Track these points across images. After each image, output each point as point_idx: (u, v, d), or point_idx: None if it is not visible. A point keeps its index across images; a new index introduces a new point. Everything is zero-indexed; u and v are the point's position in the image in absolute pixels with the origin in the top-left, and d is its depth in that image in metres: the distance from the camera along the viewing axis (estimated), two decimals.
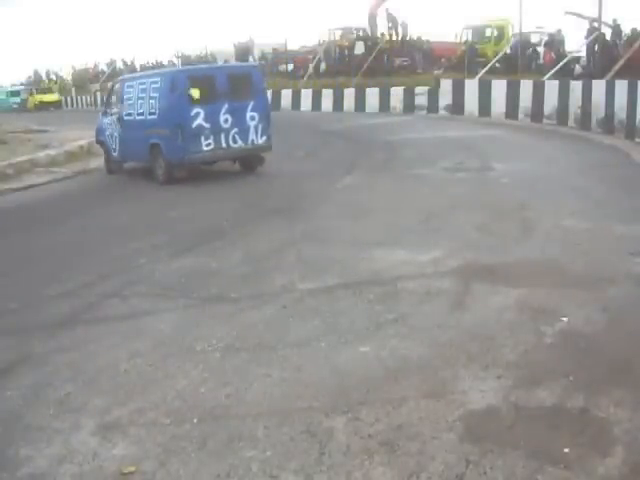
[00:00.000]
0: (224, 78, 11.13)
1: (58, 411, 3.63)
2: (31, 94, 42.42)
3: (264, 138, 11.39)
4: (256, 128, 11.27)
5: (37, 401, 3.77)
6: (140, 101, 11.60)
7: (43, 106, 39.59)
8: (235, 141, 11.13)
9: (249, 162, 11.76)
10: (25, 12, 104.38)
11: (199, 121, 10.75)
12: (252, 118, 11.22)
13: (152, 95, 11.28)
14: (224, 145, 11.05)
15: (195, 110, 10.71)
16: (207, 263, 6.30)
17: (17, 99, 43.22)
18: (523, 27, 21.72)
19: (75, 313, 5.16)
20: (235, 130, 11.06)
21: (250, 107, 11.18)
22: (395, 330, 4.44)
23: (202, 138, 10.81)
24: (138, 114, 11.66)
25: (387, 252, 6.24)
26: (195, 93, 10.76)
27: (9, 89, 46.71)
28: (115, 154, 12.69)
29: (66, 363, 4.23)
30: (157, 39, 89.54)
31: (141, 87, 11.69)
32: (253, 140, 11.29)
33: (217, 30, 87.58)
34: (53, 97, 42.00)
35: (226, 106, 10.93)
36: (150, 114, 11.32)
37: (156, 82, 11.34)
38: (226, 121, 10.97)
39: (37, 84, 47.31)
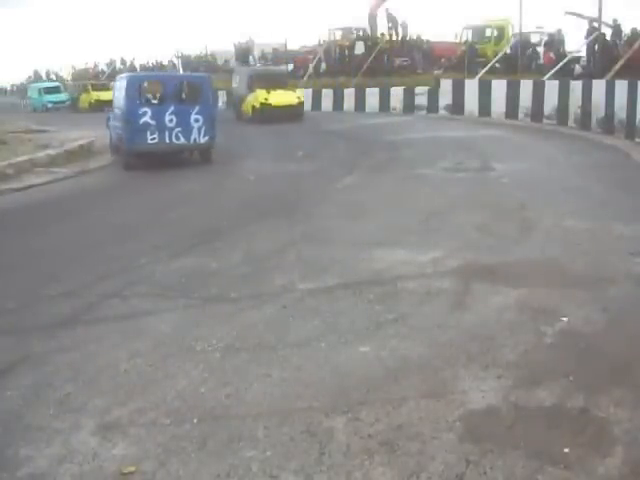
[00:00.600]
0: (174, 85, 13.45)
1: (58, 411, 3.62)
2: (86, 90, 34.03)
3: (206, 138, 13.04)
4: (199, 129, 12.91)
5: (37, 401, 3.76)
6: (118, 98, 13.52)
7: (98, 106, 29.77)
8: (178, 138, 12.82)
9: (203, 154, 13.51)
10: (25, 12, 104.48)
11: (146, 119, 12.51)
12: (196, 120, 12.87)
13: (119, 94, 13.28)
14: (167, 141, 12.74)
15: (143, 109, 12.63)
16: (207, 263, 6.29)
17: (54, 97, 35.69)
18: (523, 27, 21.73)
19: (75, 313, 5.15)
20: (178, 129, 12.74)
21: (195, 111, 12.86)
22: (395, 330, 4.43)
23: (148, 133, 12.52)
24: (117, 108, 13.56)
25: (387, 252, 6.24)
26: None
27: (43, 85, 38.32)
28: (113, 140, 14.15)
29: (66, 363, 4.22)
30: (157, 39, 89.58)
31: (118, 86, 13.72)
32: (195, 139, 12.97)
33: (217, 30, 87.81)
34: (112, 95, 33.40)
35: (172, 108, 12.74)
36: (118, 109, 13.26)
37: (122, 84, 13.26)
38: (171, 121, 12.67)
39: (95, 78, 38.27)
